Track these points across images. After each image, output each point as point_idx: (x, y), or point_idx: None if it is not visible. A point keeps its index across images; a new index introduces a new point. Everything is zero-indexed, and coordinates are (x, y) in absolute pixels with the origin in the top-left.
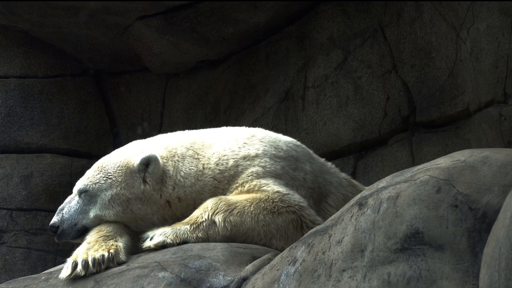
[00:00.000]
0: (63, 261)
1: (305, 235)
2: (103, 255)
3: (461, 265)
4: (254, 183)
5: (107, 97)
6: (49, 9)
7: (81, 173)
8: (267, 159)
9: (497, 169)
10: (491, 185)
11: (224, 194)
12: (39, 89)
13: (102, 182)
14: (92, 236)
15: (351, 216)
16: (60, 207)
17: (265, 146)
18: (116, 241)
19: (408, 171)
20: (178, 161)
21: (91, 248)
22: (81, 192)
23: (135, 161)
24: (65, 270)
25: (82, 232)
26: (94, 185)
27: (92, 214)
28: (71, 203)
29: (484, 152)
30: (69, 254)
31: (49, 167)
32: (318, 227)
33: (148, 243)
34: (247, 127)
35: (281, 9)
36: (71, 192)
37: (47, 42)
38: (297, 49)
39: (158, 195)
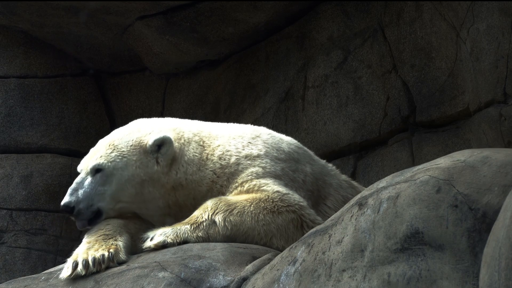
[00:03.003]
0: (63, 261)
1: (305, 235)
2: (103, 255)
3: (461, 265)
4: (253, 183)
5: (107, 97)
6: (49, 9)
7: None
8: (268, 160)
9: (497, 169)
10: (491, 185)
11: (221, 191)
12: (39, 89)
13: (118, 160)
14: (91, 236)
15: (351, 216)
16: (73, 187)
17: (268, 147)
18: (116, 240)
19: (408, 171)
20: (184, 144)
21: (91, 247)
22: (95, 171)
23: (148, 141)
24: (66, 270)
25: (95, 215)
26: (109, 164)
27: (108, 195)
28: (84, 183)
29: (484, 152)
30: (69, 254)
31: (49, 167)
32: (318, 227)
33: (148, 243)
34: (253, 126)
35: (281, 9)
36: None
37: (47, 42)
38: (297, 49)
39: (166, 179)
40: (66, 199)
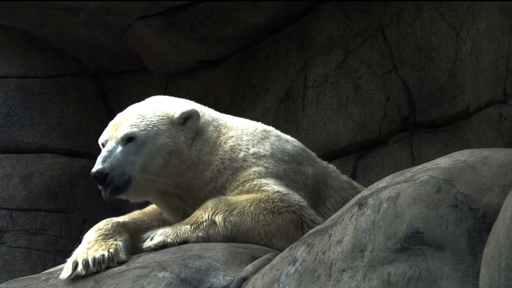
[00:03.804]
0: (63, 261)
1: (305, 235)
2: (103, 255)
3: (461, 265)
4: (255, 182)
5: (107, 97)
6: (49, 9)
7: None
8: (272, 161)
9: (497, 169)
10: (491, 185)
11: (224, 186)
12: (39, 89)
13: (149, 129)
14: (91, 235)
15: (351, 216)
16: (103, 155)
17: (274, 148)
18: (115, 240)
19: (408, 171)
20: (204, 123)
21: (91, 247)
22: (128, 139)
23: (175, 113)
24: (66, 270)
25: (126, 184)
26: (142, 132)
27: (139, 164)
28: (115, 151)
29: (484, 152)
30: (69, 254)
31: (49, 167)
32: (318, 227)
33: (148, 243)
34: (263, 125)
35: (281, 9)
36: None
37: (47, 42)
38: (297, 49)
39: (188, 153)
40: (98, 166)
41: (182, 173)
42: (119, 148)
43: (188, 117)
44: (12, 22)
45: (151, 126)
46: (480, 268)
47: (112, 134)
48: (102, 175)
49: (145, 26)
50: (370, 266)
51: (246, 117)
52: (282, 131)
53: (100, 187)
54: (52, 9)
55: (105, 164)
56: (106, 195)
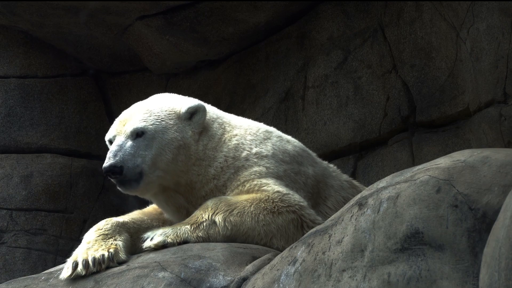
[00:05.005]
0: (63, 261)
1: (305, 235)
2: (103, 255)
3: (461, 265)
4: (255, 182)
5: (107, 97)
6: (49, 9)
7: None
8: (273, 161)
9: (497, 169)
10: (491, 185)
11: (226, 185)
12: (39, 89)
13: (157, 123)
14: (91, 235)
15: (351, 216)
16: (114, 150)
17: (275, 149)
18: (115, 240)
19: (408, 171)
20: (209, 119)
21: (90, 247)
22: (137, 133)
23: (182, 108)
24: (66, 270)
25: (139, 177)
26: (151, 127)
27: (149, 158)
28: (125, 146)
29: (484, 152)
30: (69, 254)
31: (49, 167)
32: (318, 227)
33: (148, 243)
34: (265, 125)
35: (281, 9)
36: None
37: (47, 42)
38: (297, 49)
39: (195, 148)
40: (110, 160)
41: (187, 169)
42: (129, 143)
43: (195, 112)
44: (12, 22)
45: (159, 120)
46: (480, 268)
47: (120, 129)
48: (116, 168)
49: (145, 26)
50: (370, 266)
51: (246, 117)
52: (282, 131)
53: (113, 181)
54: (52, 9)
55: (117, 158)
56: (121, 187)
